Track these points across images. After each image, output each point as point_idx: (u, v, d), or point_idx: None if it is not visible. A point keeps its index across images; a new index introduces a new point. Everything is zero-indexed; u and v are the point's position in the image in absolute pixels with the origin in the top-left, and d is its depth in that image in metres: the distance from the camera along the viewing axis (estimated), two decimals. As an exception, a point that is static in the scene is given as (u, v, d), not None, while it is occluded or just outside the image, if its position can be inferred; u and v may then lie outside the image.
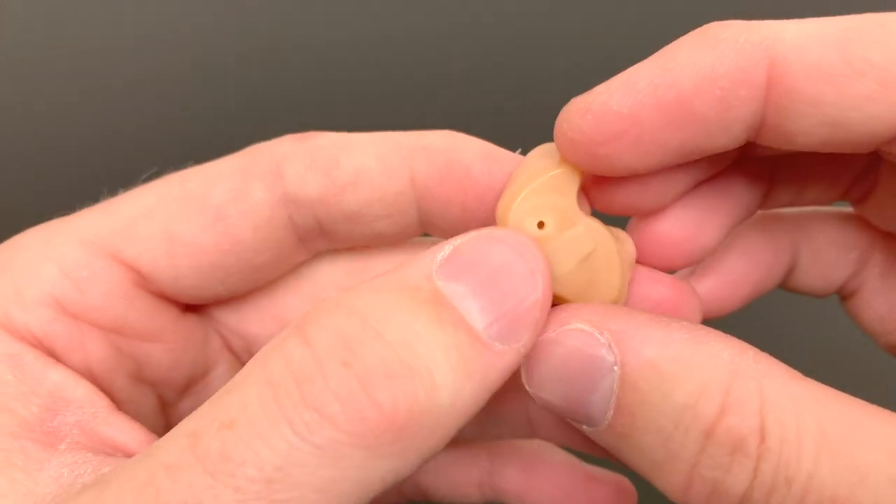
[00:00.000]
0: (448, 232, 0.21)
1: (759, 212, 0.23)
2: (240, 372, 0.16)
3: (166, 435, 0.15)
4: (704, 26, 0.17)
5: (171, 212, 0.20)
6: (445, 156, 0.20)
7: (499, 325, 0.16)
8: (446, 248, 0.16)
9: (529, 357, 0.17)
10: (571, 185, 0.18)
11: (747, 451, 0.15)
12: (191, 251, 0.20)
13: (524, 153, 0.20)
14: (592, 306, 0.17)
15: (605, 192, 0.19)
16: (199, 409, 0.15)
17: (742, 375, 0.15)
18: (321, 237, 0.21)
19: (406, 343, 0.15)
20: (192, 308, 0.23)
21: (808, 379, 0.16)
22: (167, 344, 0.22)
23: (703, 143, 0.17)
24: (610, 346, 0.16)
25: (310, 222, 0.21)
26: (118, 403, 0.20)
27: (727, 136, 0.17)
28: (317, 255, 0.23)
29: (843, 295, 0.24)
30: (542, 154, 0.19)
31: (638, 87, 0.17)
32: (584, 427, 0.17)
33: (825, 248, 0.23)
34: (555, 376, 0.17)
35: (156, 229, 0.19)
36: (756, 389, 0.15)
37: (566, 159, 0.18)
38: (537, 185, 0.18)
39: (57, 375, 0.19)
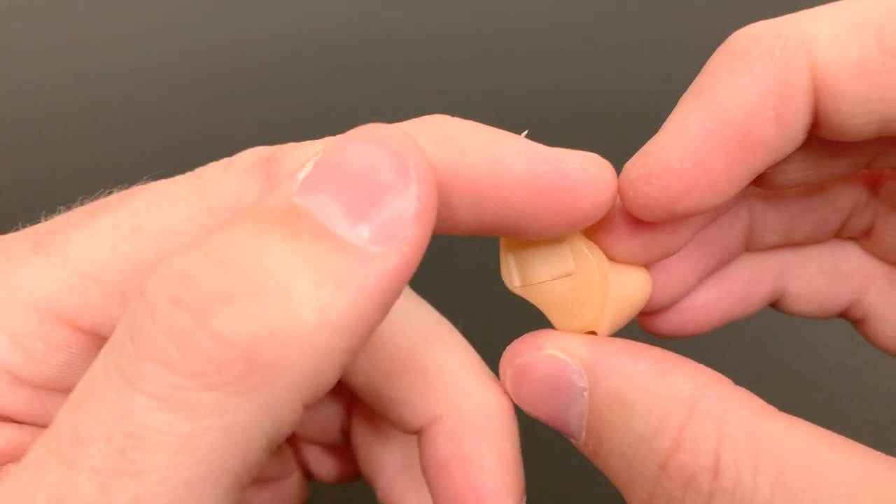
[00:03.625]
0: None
1: None
2: None
3: None
4: (728, 43, 0.17)
5: (127, 276, 0.17)
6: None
7: (371, 226, 0.14)
8: (308, 164, 0.15)
9: (514, 377, 0.18)
10: None
11: (699, 488, 0.15)
12: None
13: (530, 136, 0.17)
14: (567, 334, 0.18)
15: (614, 243, 0.19)
16: None
17: (700, 411, 0.15)
18: None
19: (251, 264, 0.13)
20: None
21: (777, 413, 0.15)
22: None
23: (771, 159, 0.17)
24: (580, 372, 0.17)
25: None
26: None
27: (791, 144, 0.17)
28: None
29: (851, 321, 0.23)
30: None
31: (691, 137, 0.16)
32: (571, 440, 0.18)
33: (816, 278, 0.22)
34: (535, 396, 0.18)
35: (112, 294, 0.17)
36: (714, 426, 0.15)
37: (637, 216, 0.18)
38: None
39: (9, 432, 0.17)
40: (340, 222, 0.14)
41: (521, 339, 0.18)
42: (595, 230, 0.19)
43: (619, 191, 0.18)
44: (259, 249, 0.14)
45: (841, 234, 0.22)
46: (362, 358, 0.21)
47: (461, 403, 0.20)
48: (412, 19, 0.45)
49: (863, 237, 0.22)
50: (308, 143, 0.18)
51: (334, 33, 0.45)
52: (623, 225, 0.19)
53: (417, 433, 0.21)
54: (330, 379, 0.14)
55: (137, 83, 0.45)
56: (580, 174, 0.16)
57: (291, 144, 0.18)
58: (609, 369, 0.16)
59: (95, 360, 0.14)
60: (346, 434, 0.25)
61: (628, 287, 0.19)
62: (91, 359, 0.16)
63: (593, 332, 0.18)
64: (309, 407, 0.14)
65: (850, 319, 0.23)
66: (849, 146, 0.18)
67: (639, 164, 0.17)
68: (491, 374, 0.21)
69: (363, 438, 0.24)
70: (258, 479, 0.25)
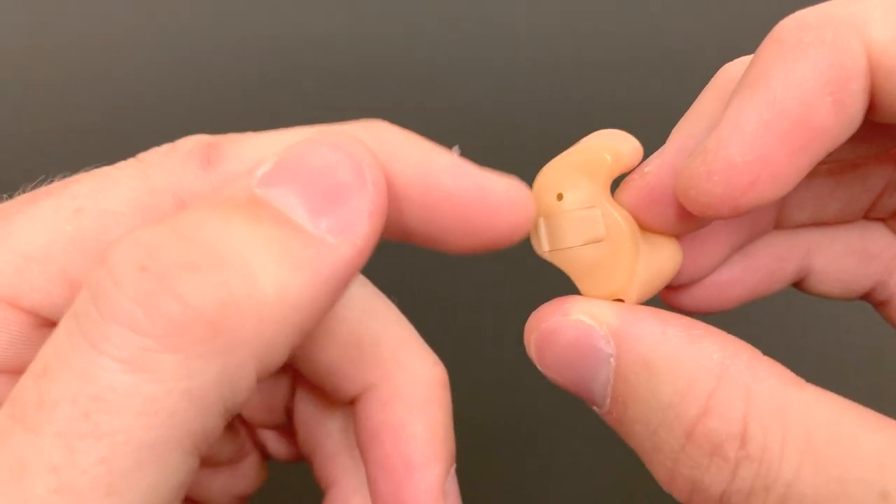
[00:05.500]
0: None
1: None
2: None
3: None
4: (775, 32, 0.17)
5: (68, 255, 0.17)
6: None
7: (328, 219, 0.15)
8: (268, 162, 0.16)
9: (539, 341, 0.18)
10: (606, 171, 0.18)
11: (725, 455, 0.15)
12: None
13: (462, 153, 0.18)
14: (594, 300, 0.18)
15: (646, 211, 0.19)
16: None
17: (730, 379, 0.15)
18: None
19: (216, 240, 0.14)
20: None
21: (805, 384, 0.15)
22: None
23: (831, 146, 0.17)
24: (608, 338, 0.17)
25: None
26: None
27: (849, 130, 0.17)
28: None
29: (874, 302, 0.23)
30: (599, 136, 0.19)
31: (749, 130, 0.16)
32: (594, 408, 0.18)
33: (844, 257, 0.22)
34: (560, 362, 0.18)
35: (54, 274, 0.17)
36: (742, 394, 0.15)
37: (684, 200, 0.17)
38: (571, 160, 0.19)
39: None
40: (300, 212, 0.15)
41: (547, 304, 0.18)
42: (628, 198, 0.19)
43: (678, 191, 0.17)
44: (223, 229, 0.14)
45: (870, 214, 0.22)
46: None
47: (394, 373, 0.21)
48: (410, 22, 0.44)
49: (892, 217, 0.22)
50: (250, 133, 0.18)
51: (331, 34, 0.45)
52: (656, 193, 0.18)
53: (352, 403, 0.21)
54: (282, 355, 0.15)
55: (131, 82, 0.45)
56: (501, 194, 0.17)
57: (233, 134, 0.18)
58: (637, 336, 0.16)
59: (56, 330, 0.14)
60: (290, 416, 0.26)
61: (659, 256, 0.19)
62: (30, 338, 0.18)
63: (620, 300, 0.18)
64: (261, 380, 0.15)
65: (873, 301, 0.23)
66: (890, 125, 0.18)
67: (698, 161, 0.17)
68: (425, 346, 0.22)
69: (303, 417, 0.25)
70: (213, 460, 0.25)
